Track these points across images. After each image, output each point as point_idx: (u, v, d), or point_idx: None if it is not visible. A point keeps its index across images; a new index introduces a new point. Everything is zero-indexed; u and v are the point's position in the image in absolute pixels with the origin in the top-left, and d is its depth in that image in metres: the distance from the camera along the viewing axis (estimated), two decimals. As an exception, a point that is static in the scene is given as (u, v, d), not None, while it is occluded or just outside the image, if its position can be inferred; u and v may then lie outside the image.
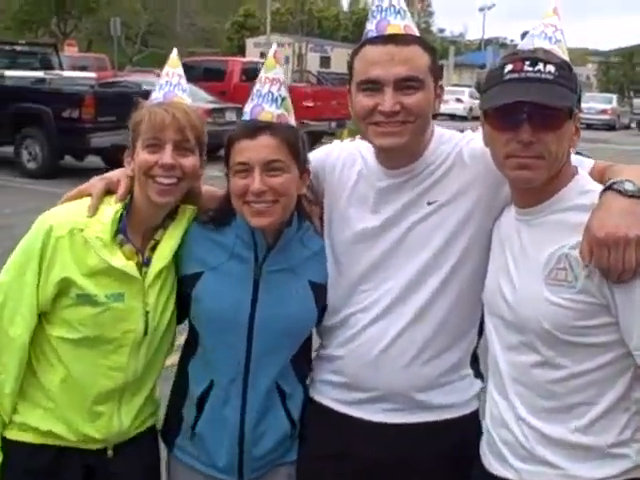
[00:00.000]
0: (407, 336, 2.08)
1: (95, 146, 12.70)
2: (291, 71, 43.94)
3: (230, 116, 15.83)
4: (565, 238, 1.80)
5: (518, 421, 1.90)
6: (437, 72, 2.06)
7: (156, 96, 2.14)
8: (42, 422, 2.11)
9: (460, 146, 2.10)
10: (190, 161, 2.08)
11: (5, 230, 8.95)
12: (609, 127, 33.78)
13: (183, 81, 2.19)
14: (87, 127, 12.52)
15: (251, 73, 19.99)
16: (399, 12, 2.04)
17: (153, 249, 2.14)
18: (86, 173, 11.93)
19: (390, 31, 2.02)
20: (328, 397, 2.21)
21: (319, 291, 2.17)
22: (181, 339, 2.33)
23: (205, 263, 2.15)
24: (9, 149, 13.68)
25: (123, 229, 2.09)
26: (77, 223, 2.05)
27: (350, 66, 2.08)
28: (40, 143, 12.95)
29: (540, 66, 1.78)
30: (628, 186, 1.74)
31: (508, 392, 1.92)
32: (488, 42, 48.28)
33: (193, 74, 17.93)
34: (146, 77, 18.67)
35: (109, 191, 2.14)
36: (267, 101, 2.09)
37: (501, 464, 1.95)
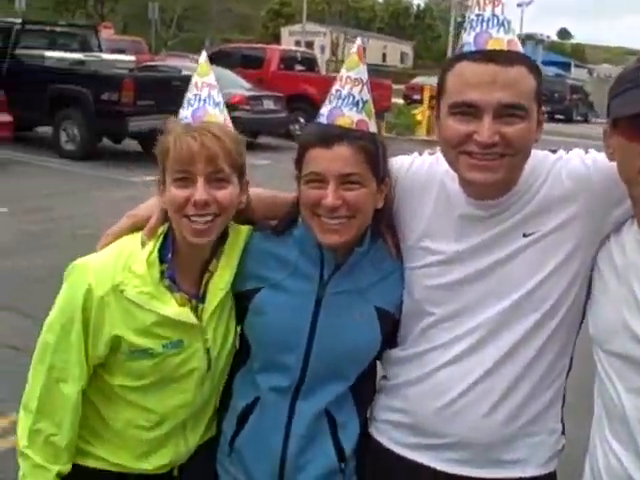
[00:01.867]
0: (490, 381, 1.84)
1: (133, 130, 12.60)
2: (326, 61, 43.78)
3: (268, 104, 15.77)
4: None
5: None
6: (541, 97, 1.78)
7: (184, 115, 1.86)
8: (111, 455, 1.98)
9: (558, 168, 1.84)
10: (227, 193, 1.83)
11: (44, 212, 8.96)
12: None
13: (215, 92, 1.91)
14: (125, 110, 12.44)
15: (289, 62, 19.95)
16: (503, 24, 1.75)
17: (207, 284, 1.93)
18: (122, 156, 12.07)
19: (492, 46, 1.73)
20: (387, 437, 2.00)
21: (386, 319, 1.97)
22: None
23: (265, 279, 1.97)
24: (48, 130, 13.68)
25: (170, 273, 1.87)
26: (115, 281, 1.83)
27: (441, 82, 1.80)
28: (78, 125, 12.88)
29: None
30: None
31: (637, 441, 1.67)
32: (526, 38, 47.67)
33: (231, 61, 17.94)
34: (182, 62, 18.60)
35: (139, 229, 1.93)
36: (347, 104, 1.87)
37: None
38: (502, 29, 1.74)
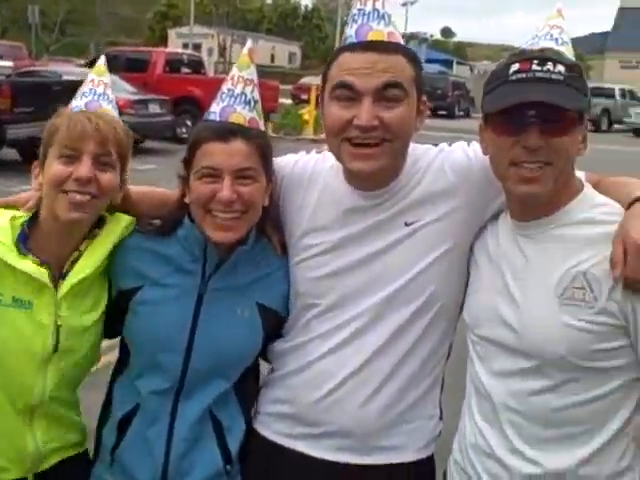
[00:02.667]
0: (368, 370, 1.88)
1: (11, 137, 12.23)
2: (214, 63, 43.53)
3: (153, 108, 15.60)
4: (579, 254, 1.66)
5: (512, 453, 1.74)
6: (421, 86, 1.85)
7: (77, 104, 1.93)
8: None
9: (439, 161, 1.91)
10: (108, 177, 1.86)
11: None
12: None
13: (109, 91, 1.98)
14: (2, 118, 12.03)
15: (175, 64, 19.71)
16: (383, 17, 1.82)
17: (74, 262, 1.91)
18: (1, 165, 11.55)
19: (372, 38, 1.80)
20: (271, 429, 2.01)
21: (269, 316, 1.99)
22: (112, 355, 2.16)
23: (145, 277, 1.97)
24: None
25: (23, 239, 1.87)
26: None
27: (324, 75, 1.86)
28: (-47, 134, 12.45)
29: (549, 65, 1.63)
30: None
31: (501, 421, 1.75)
32: (410, 37, 48.81)
33: (115, 64, 17.54)
34: (65, 67, 18.17)
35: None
36: (240, 103, 1.91)
37: None
38: (382, 22, 1.82)
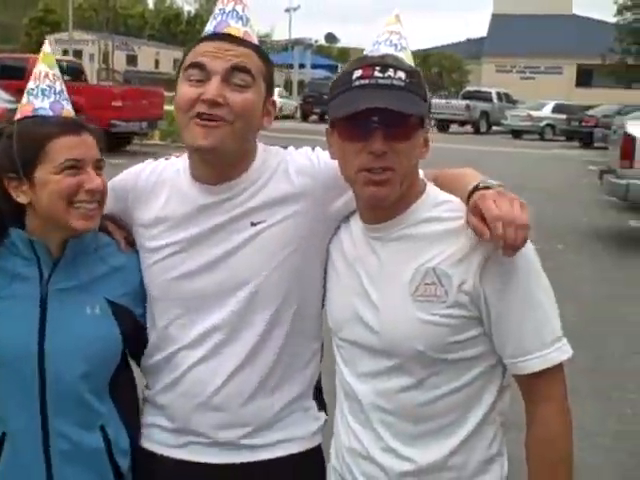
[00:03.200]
0: (240, 376, 1.89)
1: None
2: (97, 70, 42.48)
3: (32, 116, 15.10)
4: (428, 251, 1.71)
5: (385, 451, 1.77)
6: (270, 84, 1.92)
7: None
8: None
9: (286, 162, 1.95)
10: None
11: None
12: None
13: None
14: None
15: (54, 71, 19.21)
16: (241, 18, 1.91)
17: None
18: None
19: (228, 32, 1.88)
20: (156, 442, 1.98)
21: (122, 313, 1.92)
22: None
23: None
24: None
25: None
26: None
27: (181, 64, 1.90)
28: None
29: (390, 72, 1.67)
30: (492, 182, 1.70)
31: (372, 421, 1.78)
32: (295, 43, 49.17)
33: (-10, 72, 16.98)
34: None
35: None
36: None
37: None
38: (240, 22, 1.90)
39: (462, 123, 36.81)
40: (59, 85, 1.93)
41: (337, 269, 1.88)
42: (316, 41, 56.47)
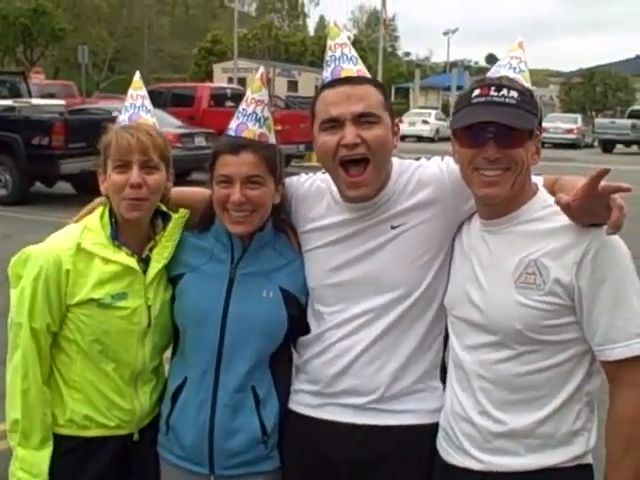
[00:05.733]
0: (374, 350, 2.23)
1: (65, 172, 12.75)
2: (259, 96, 44.11)
3: (199, 141, 15.86)
4: (532, 246, 1.98)
5: (482, 415, 2.05)
6: (391, 109, 2.23)
7: (122, 118, 2.32)
8: (73, 414, 2.29)
9: (419, 172, 2.26)
10: (155, 178, 2.26)
11: (-23, 257, 8.99)
12: (574, 146, 34.47)
13: (147, 102, 2.36)
14: (57, 154, 12.56)
15: (219, 98, 20.20)
16: (351, 59, 2.24)
17: (151, 249, 2.33)
18: (56, 199, 11.81)
19: (344, 75, 2.20)
20: (302, 404, 2.35)
21: (290, 300, 2.32)
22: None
23: (188, 265, 2.34)
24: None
25: (116, 236, 2.28)
26: (77, 241, 2.23)
27: (312, 111, 2.24)
28: (10, 170, 12.93)
29: (504, 91, 1.97)
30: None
31: (473, 388, 2.07)
32: (453, 65, 49.05)
33: (162, 100, 18.06)
34: (114, 103, 18.69)
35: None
36: (251, 120, 2.29)
37: (462, 455, 2.09)
38: (351, 62, 2.25)
39: (628, 143, 35.17)
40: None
41: (455, 258, 2.21)
42: (476, 62, 55.88)
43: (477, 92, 2.00)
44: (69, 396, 2.29)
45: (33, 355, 2.22)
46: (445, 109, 48.94)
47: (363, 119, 2.13)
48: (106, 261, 2.25)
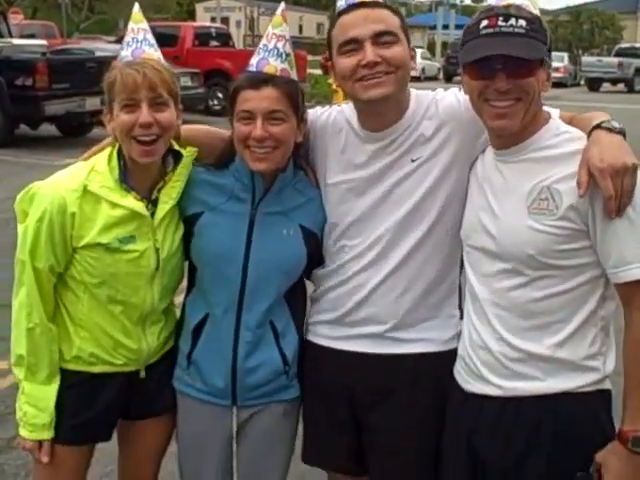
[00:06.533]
0: (393, 279, 2.27)
1: (50, 114, 12.54)
2: (243, 36, 43.53)
3: (184, 81, 15.65)
4: (545, 172, 1.98)
5: (499, 341, 2.06)
6: (408, 33, 2.22)
7: (125, 54, 2.20)
8: (80, 351, 2.29)
9: (435, 104, 2.26)
10: (166, 115, 2.16)
11: (-35, 198, 8.95)
12: (561, 84, 34.27)
13: (149, 36, 2.24)
14: (41, 95, 12.30)
15: (204, 38, 19.80)
16: None
17: (159, 190, 2.27)
18: (42, 142, 11.72)
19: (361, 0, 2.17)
20: (319, 335, 2.40)
21: (310, 237, 2.34)
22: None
23: (205, 204, 2.31)
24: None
25: (125, 179, 2.21)
26: (84, 182, 2.16)
27: (329, 38, 2.23)
28: (-7, 112, 12.77)
29: (512, 21, 1.94)
30: (614, 124, 1.97)
31: (488, 316, 2.09)
32: (438, 3, 48.31)
33: (145, 40, 17.72)
34: (96, 44, 18.39)
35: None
36: (273, 55, 2.25)
37: (481, 383, 2.11)
38: None
39: (614, 82, 35.03)
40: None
41: (471, 189, 2.23)
42: (461, 1, 55.12)
43: (485, 23, 1.98)
44: (75, 334, 2.27)
45: (37, 293, 2.21)
46: (431, 48, 48.47)
47: (382, 38, 2.13)
48: (113, 205, 2.19)
